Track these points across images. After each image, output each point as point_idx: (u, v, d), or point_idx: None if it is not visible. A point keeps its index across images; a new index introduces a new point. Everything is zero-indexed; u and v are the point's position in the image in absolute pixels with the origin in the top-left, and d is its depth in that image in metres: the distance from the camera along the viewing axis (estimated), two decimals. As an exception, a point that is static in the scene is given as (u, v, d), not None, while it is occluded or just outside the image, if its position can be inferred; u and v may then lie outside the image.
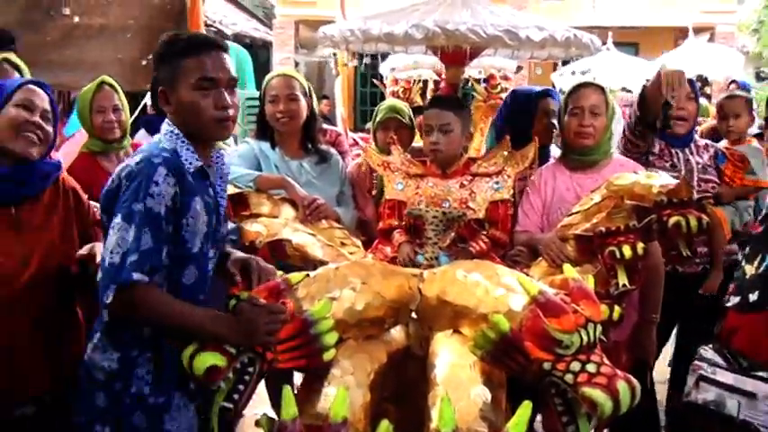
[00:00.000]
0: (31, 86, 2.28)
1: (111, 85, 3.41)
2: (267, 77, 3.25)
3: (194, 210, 2.03)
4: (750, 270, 2.13)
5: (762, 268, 2.09)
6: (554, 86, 9.78)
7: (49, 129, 2.27)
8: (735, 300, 2.13)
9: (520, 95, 3.37)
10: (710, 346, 2.13)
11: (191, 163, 2.06)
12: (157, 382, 2.06)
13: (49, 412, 2.27)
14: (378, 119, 3.58)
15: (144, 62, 3.86)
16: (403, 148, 3.18)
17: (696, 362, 2.08)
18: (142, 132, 4.31)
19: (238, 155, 3.18)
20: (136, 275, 1.88)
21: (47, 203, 2.30)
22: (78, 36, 4.32)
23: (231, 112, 2.08)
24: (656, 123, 2.89)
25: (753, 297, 2.09)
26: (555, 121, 3.25)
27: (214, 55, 2.06)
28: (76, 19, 4.23)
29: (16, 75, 2.79)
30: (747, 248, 2.25)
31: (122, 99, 3.42)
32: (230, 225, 2.51)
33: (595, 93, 2.89)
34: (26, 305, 2.18)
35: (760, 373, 2.05)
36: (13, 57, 2.88)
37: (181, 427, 2.11)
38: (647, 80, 2.87)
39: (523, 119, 3.21)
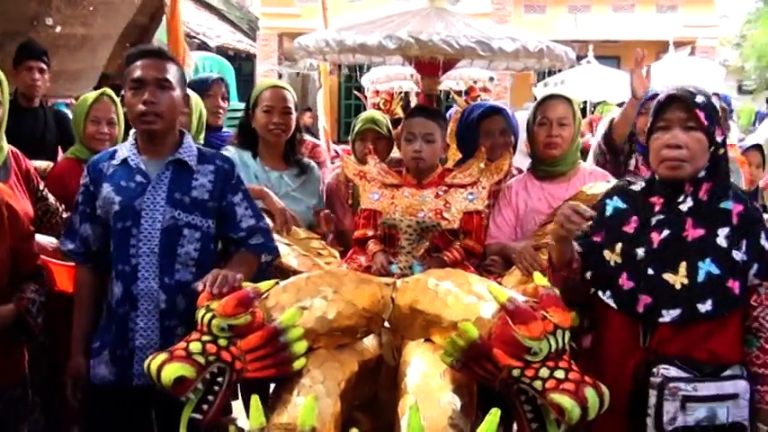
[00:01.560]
0: None
1: (110, 97, 3.41)
2: (258, 87, 3.28)
3: (102, 194, 2.44)
4: (676, 279, 2.06)
5: (701, 277, 2.05)
6: (536, 99, 9.83)
7: None
8: (673, 313, 2.05)
9: (467, 114, 3.40)
10: (663, 365, 2.02)
11: (119, 157, 2.48)
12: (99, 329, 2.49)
13: None
14: (356, 130, 3.59)
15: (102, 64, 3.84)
16: (380, 158, 3.19)
17: (671, 385, 1.98)
18: None
19: None
20: (66, 246, 2.52)
21: None
22: (61, 46, 4.31)
23: (155, 107, 2.38)
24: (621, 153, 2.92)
25: (705, 307, 2.04)
26: (504, 137, 3.25)
27: (148, 61, 2.42)
28: (59, 29, 4.22)
29: None
30: (645, 254, 2.13)
31: (119, 113, 3.41)
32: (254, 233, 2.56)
33: (562, 104, 2.92)
34: None
35: (728, 373, 2.05)
36: None
37: (99, 373, 2.42)
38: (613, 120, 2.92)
39: (470, 137, 3.25)
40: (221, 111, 4.21)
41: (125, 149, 2.50)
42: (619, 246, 2.20)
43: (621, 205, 2.26)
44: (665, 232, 2.13)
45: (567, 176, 2.94)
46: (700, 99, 2.11)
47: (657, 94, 3.44)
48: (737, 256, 2.08)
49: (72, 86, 4.04)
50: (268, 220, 2.87)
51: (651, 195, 2.21)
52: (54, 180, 3.28)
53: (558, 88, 7.39)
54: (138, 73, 2.40)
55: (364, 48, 2.84)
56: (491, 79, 6.72)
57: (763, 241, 2.11)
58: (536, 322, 1.96)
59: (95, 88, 3.99)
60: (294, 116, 3.23)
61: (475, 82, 6.45)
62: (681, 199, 2.14)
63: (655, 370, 2.03)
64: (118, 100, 3.45)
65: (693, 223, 2.11)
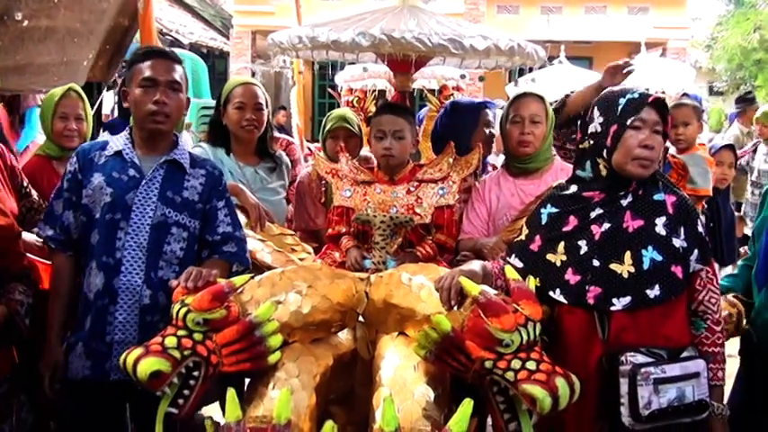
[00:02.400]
0: None
1: (77, 93, 3.38)
2: (229, 84, 3.29)
3: (92, 183, 2.45)
4: (623, 269, 2.15)
5: (646, 264, 2.15)
6: (508, 98, 9.93)
7: None
8: (624, 301, 2.14)
9: (462, 106, 3.46)
10: (629, 353, 2.09)
11: (112, 148, 2.51)
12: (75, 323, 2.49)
13: None
14: (327, 128, 3.60)
15: (85, 62, 3.82)
16: (351, 156, 3.21)
17: (642, 370, 2.05)
18: (106, 134, 4.26)
19: None
20: (45, 231, 2.50)
21: None
22: (26, 39, 4.23)
23: (165, 107, 2.45)
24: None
25: (653, 292, 2.13)
26: (492, 131, 3.32)
27: (159, 61, 2.48)
28: (26, 23, 4.16)
29: None
30: (588, 247, 2.22)
31: (87, 108, 3.39)
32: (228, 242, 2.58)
33: (535, 102, 2.96)
34: None
35: (685, 354, 2.13)
36: None
37: (74, 367, 2.42)
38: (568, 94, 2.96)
39: (465, 129, 3.28)
40: None
41: (118, 142, 2.53)
42: (561, 245, 2.27)
43: (555, 210, 2.32)
44: (606, 225, 2.21)
45: (540, 173, 2.98)
46: (667, 106, 2.22)
47: None
48: (677, 242, 2.18)
49: (38, 80, 3.97)
50: (243, 218, 2.88)
51: (587, 191, 2.28)
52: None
53: (530, 86, 7.46)
54: (150, 72, 2.45)
55: (337, 44, 2.86)
56: (462, 77, 6.75)
57: (699, 228, 2.22)
58: (508, 315, 1.99)
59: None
60: (266, 112, 3.25)
61: (447, 80, 6.47)
62: (622, 194, 2.23)
63: (623, 358, 2.08)
64: (85, 96, 3.43)
65: (632, 215, 2.20)
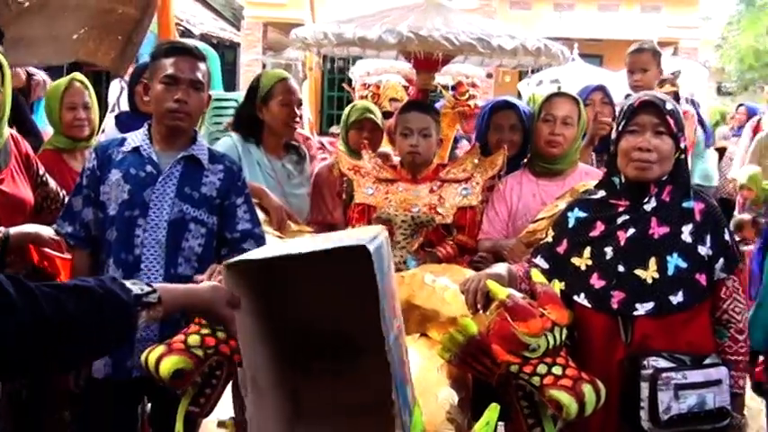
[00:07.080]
0: None
1: (81, 82, 3.36)
2: (270, 79, 3.23)
3: (110, 179, 2.45)
4: (647, 274, 2.15)
5: (670, 271, 2.14)
6: (519, 95, 9.90)
7: None
8: (647, 306, 2.13)
9: (483, 108, 3.45)
10: (651, 357, 2.08)
11: (129, 144, 2.49)
12: None
13: None
14: (352, 119, 3.55)
15: (74, 37, 3.78)
16: (374, 149, 3.19)
17: (663, 375, 2.04)
18: (110, 125, 4.22)
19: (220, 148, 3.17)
20: (64, 228, 2.50)
21: None
22: (21, 14, 4.20)
23: (186, 106, 2.43)
24: None
25: (677, 299, 2.13)
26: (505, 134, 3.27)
27: (182, 59, 2.45)
28: (26, 4, 4.12)
29: None
30: (613, 253, 2.20)
31: (92, 97, 3.37)
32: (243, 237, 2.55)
33: (569, 103, 2.94)
34: None
35: (708, 361, 2.12)
36: None
37: (97, 365, 2.42)
38: None
39: (481, 131, 3.29)
40: None
41: (137, 138, 2.51)
42: (587, 250, 2.25)
43: (583, 215, 2.31)
44: (631, 231, 2.20)
45: (564, 175, 2.95)
46: (669, 106, 2.19)
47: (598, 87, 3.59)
48: (702, 250, 2.17)
49: (28, 53, 3.97)
50: (263, 215, 2.87)
51: (613, 199, 2.27)
52: None
53: (544, 85, 7.42)
54: (173, 70, 2.43)
55: (364, 42, 2.84)
56: (489, 76, 6.71)
57: (726, 237, 2.21)
58: (535, 319, 1.97)
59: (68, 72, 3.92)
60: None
61: (467, 77, 6.43)
62: (645, 200, 2.21)
63: (645, 362, 2.07)
64: (89, 84, 3.41)
65: (658, 222, 2.19)
